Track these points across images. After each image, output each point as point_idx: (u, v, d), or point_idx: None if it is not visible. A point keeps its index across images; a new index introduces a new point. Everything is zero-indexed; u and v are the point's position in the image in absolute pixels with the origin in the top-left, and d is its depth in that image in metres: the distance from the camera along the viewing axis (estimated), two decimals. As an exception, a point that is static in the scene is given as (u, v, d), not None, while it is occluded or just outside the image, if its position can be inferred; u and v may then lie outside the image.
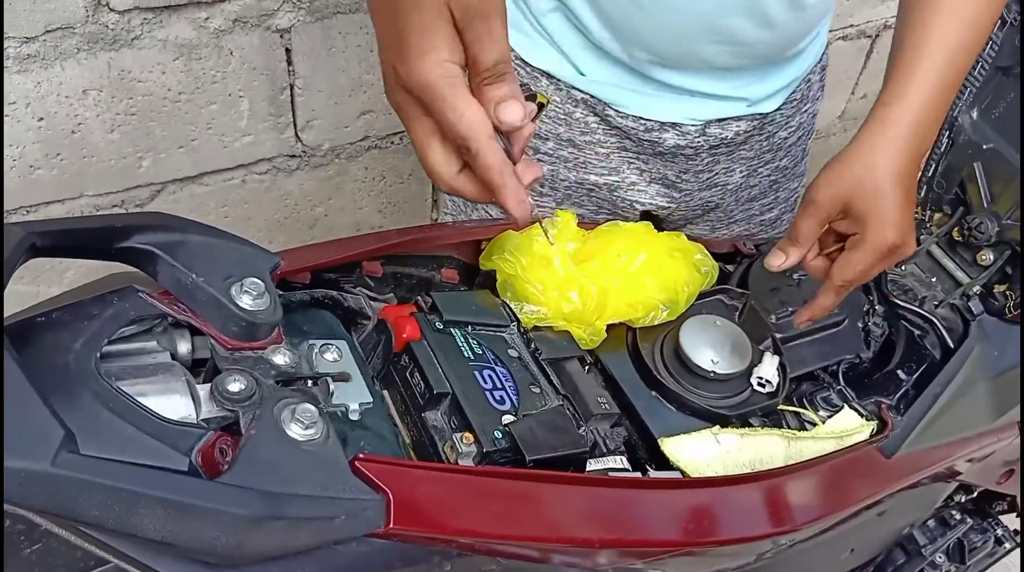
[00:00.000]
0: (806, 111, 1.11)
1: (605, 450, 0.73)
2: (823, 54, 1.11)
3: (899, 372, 0.91)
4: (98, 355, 0.52)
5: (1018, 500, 1.24)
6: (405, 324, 0.72)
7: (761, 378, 0.82)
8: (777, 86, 1.03)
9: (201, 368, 0.61)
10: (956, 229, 0.99)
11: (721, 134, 1.03)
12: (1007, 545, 1.23)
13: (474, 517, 0.60)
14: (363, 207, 1.72)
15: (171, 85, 1.34)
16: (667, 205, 1.11)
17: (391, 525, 0.54)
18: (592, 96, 1.00)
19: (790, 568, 0.86)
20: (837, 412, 0.85)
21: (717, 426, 0.78)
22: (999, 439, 0.96)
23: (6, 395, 0.44)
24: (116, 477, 0.45)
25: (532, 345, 0.77)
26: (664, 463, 0.74)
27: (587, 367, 0.79)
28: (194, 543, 0.48)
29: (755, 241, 0.99)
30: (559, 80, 1.01)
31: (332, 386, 0.61)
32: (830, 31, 1.53)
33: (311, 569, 0.54)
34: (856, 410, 0.85)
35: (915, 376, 0.91)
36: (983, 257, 0.96)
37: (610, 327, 0.82)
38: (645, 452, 0.76)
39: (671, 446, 0.74)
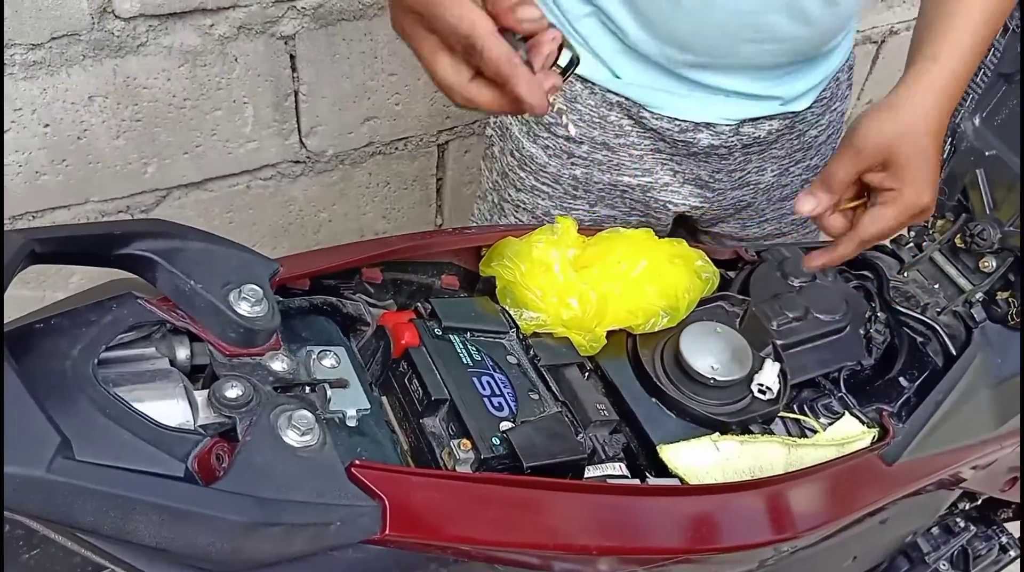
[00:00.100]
0: (835, 110, 1.13)
1: (604, 457, 0.73)
2: (851, 53, 1.12)
3: (901, 379, 0.91)
4: (96, 361, 0.53)
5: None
6: (404, 330, 0.72)
7: (762, 385, 0.82)
8: (809, 84, 1.05)
9: (200, 374, 0.61)
10: (959, 236, 0.99)
11: (754, 133, 1.05)
12: (1012, 553, 1.23)
13: (471, 524, 0.60)
14: (367, 213, 1.73)
15: (176, 91, 1.35)
16: (700, 205, 1.12)
17: (387, 532, 0.54)
18: (627, 99, 1.02)
19: (791, 576, 0.86)
20: (838, 419, 0.84)
21: (717, 433, 0.78)
22: (1002, 446, 0.95)
23: (3, 401, 0.44)
24: (111, 483, 0.45)
25: (531, 351, 0.77)
26: (663, 470, 0.74)
27: (587, 374, 0.79)
28: (189, 549, 0.48)
29: (757, 248, 0.99)
30: (594, 84, 1.02)
31: (329, 392, 0.61)
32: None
33: (307, 575, 0.55)
34: (857, 417, 0.85)
35: (917, 383, 0.90)
36: (986, 264, 0.96)
37: (610, 333, 0.82)
38: (644, 459, 0.76)
39: (670, 453, 0.74)
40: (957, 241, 0.99)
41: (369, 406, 0.64)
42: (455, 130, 1.69)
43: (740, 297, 0.90)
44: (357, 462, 0.55)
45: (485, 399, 0.70)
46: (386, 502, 0.54)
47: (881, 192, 0.80)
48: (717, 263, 0.91)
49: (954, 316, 0.95)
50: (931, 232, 1.02)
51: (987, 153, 0.97)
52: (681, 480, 0.73)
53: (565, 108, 0.81)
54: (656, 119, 1.02)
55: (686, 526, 0.70)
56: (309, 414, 0.55)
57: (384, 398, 0.72)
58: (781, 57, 0.97)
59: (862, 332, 0.93)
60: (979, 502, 1.19)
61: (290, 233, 1.66)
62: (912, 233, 1.03)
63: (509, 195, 1.15)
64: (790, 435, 0.83)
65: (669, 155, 1.06)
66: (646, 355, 0.82)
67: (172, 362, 0.60)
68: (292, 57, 1.40)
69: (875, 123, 0.79)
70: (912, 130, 0.78)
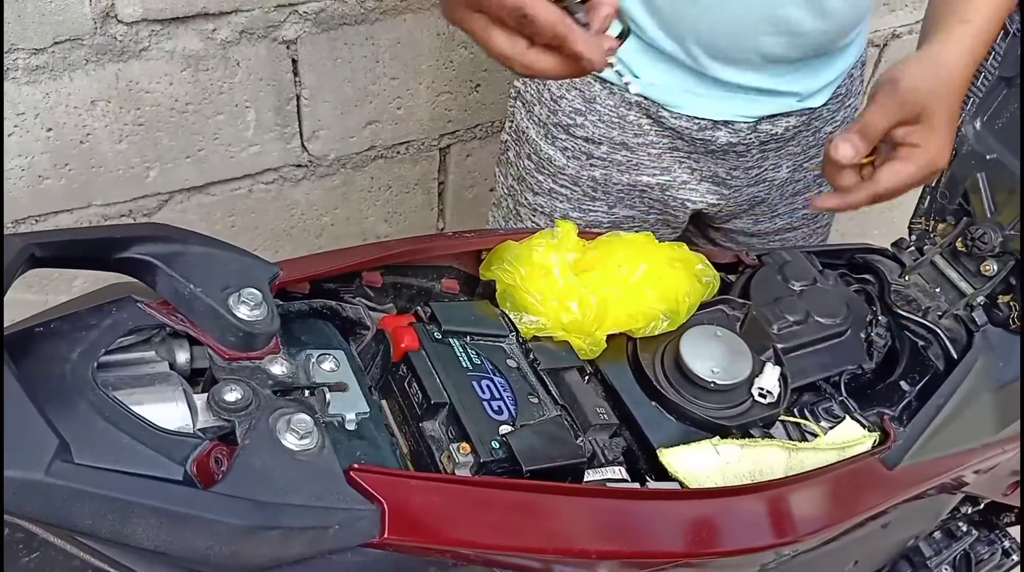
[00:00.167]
0: (849, 106, 1.14)
1: (604, 460, 0.73)
2: (864, 49, 1.13)
3: (902, 383, 0.91)
4: (95, 365, 0.53)
5: (1025, 512, 1.23)
6: (403, 334, 0.72)
7: (762, 389, 0.82)
8: (826, 80, 1.06)
9: (199, 378, 0.61)
10: (960, 239, 0.98)
11: (772, 130, 1.06)
12: (1014, 557, 1.22)
13: (470, 528, 0.60)
14: (369, 217, 1.73)
15: (178, 96, 1.35)
16: (717, 202, 1.13)
17: (386, 535, 0.54)
18: (646, 98, 1.02)
19: (792, 580, 0.86)
20: (839, 423, 0.84)
21: (717, 437, 0.78)
22: (1004, 450, 0.95)
23: (3, 405, 0.44)
24: (109, 486, 0.46)
25: (531, 355, 0.77)
26: (663, 474, 0.74)
27: (586, 377, 0.79)
28: (187, 552, 0.48)
29: (758, 251, 0.99)
30: (613, 84, 1.03)
31: (329, 396, 0.61)
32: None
33: (305, 579, 0.55)
34: (858, 421, 0.85)
35: (918, 387, 0.90)
36: (987, 267, 0.96)
37: (610, 337, 0.82)
38: (644, 463, 0.76)
39: (670, 457, 0.74)
40: (958, 245, 0.98)
41: (368, 410, 0.64)
42: (457, 134, 1.69)
43: (741, 301, 0.90)
44: (356, 466, 0.55)
45: (485, 403, 0.70)
46: (385, 506, 0.54)
47: (903, 147, 0.80)
48: (718, 267, 0.91)
49: (955, 320, 0.94)
50: (932, 236, 1.02)
51: (988, 157, 0.97)
52: (681, 484, 0.73)
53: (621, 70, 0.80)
54: (675, 118, 1.03)
55: (686, 530, 0.70)
56: (308, 418, 0.55)
57: (383, 402, 0.72)
58: (798, 51, 0.97)
59: (863, 336, 0.93)
60: (981, 506, 1.18)
61: (292, 237, 1.67)
62: (913, 237, 1.03)
63: (526, 199, 1.16)
64: (791, 439, 0.83)
65: (687, 153, 1.07)
66: (646, 359, 0.82)
67: (172, 366, 0.60)
68: (294, 61, 1.41)
69: (918, 77, 0.79)
70: (948, 89, 0.79)
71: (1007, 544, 1.21)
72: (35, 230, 1.39)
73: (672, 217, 1.14)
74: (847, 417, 0.85)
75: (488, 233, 0.87)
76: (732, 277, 0.96)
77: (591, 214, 1.13)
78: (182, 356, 0.60)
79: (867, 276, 1.00)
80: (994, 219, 0.95)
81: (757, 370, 0.82)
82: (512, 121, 1.16)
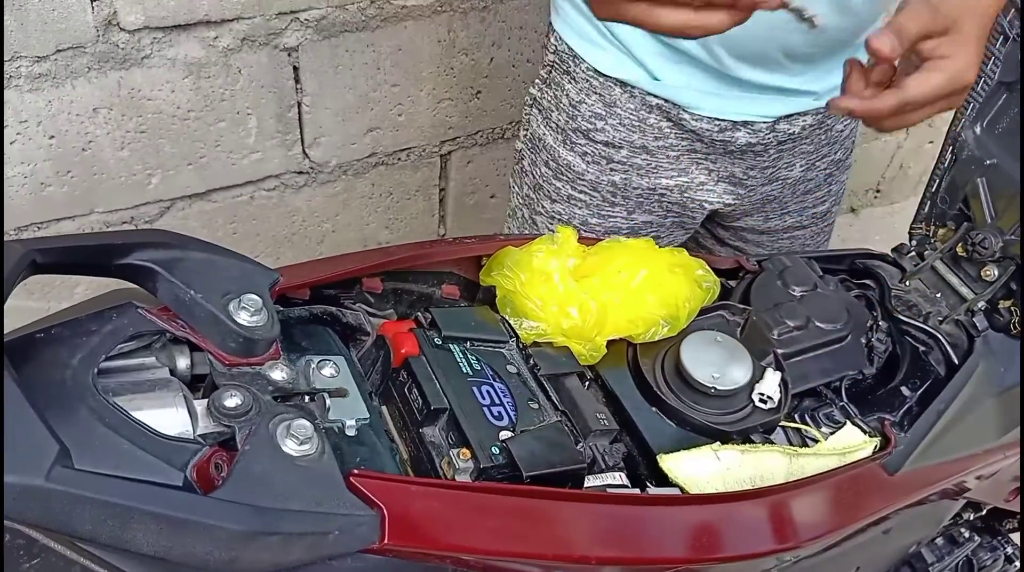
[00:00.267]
0: None
1: (604, 466, 0.73)
2: None
3: (903, 388, 0.90)
4: (95, 371, 0.53)
5: (1027, 518, 1.23)
6: (404, 340, 0.72)
7: (762, 394, 0.82)
8: (840, 78, 1.06)
9: (200, 384, 0.61)
10: (960, 244, 0.98)
11: (789, 130, 1.08)
12: (1017, 564, 1.22)
13: (470, 534, 0.60)
14: (370, 223, 1.73)
15: (180, 103, 1.36)
16: (732, 202, 1.15)
17: (386, 541, 0.54)
18: (666, 100, 1.03)
19: (794, 586, 0.85)
20: (839, 428, 0.84)
21: (717, 442, 0.77)
22: (1005, 456, 0.95)
23: (3, 410, 0.44)
24: (109, 492, 0.46)
25: (531, 361, 0.77)
26: (664, 480, 0.74)
27: (587, 383, 0.79)
28: (187, 558, 0.48)
29: (758, 258, 0.99)
30: (633, 87, 1.03)
31: (329, 402, 0.61)
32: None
33: (305, 585, 0.55)
34: (859, 426, 0.84)
35: (919, 392, 0.90)
36: (987, 273, 0.96)
37: (610, 343, 0.82)
38: (645, 468, 0.76)
39: (670, 462, 0.74)
40: (959, 250, 0.98)
41: (368, 415, 0.64)
42: (458, 140, 1.69)
43: (741, 306, 0.90)
44: (356, 471, 0.55)
45: (485, 408, 0.70)
46: (385, 511, 0.54)
47: (931, 60, 0.80)
48: (718, 272, 0.91)
49: (956, 325, 0.94)
50: (933, 241, 1.02)
51: (988, 162, 0.97)
52: (682, 489, 0.73)
53: (800, 6, 0.79)
54: (696, 120, 1.04)
55: (687, 536, 0.70)
56: (308, 423, 0.55)
57: (384, 407, 0.72)
58: (820, 48, 0.99)
59: (863, 341, 0.93)
60: (984, 512, 1.18)
61: (293, 243, 1.67)
62: (914, 242, 1.03)
63: (543, 208, 1.16)
64: (791, 444, 0.83)
65: (704, 155, 1.08)
66: (646, 364, 0.82)
67: (172, 372, 0.60)
68: (295, 68, 1.41)
69: None
70: (980, 4, 0.79)
71: (1009, 550, 1.21)
72: (37, 237, 1.39)
73: (689, 219, 1.15)
74: (848, 422, 0.85)
75: (488, 239, 0.87)
76: (732, 283, 0.96)
77: (610, 220, 1.13)
78: (182, 362, 0.60)
79: (867, 281, 1.00)
80: (994, 224, 0.95)
81: (757, 376, 0.82)
82: (527, 129, 1.16)
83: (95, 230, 1.44)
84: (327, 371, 0.64)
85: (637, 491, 0.72)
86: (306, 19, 1.36)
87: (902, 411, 0.89)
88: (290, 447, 0.54)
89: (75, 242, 0.57)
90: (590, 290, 0.82)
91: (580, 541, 0.65)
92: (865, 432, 0.84)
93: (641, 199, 1.11)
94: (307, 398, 0.62)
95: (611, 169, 1.10)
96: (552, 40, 1.09)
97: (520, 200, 1.21)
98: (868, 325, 0.95)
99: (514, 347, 0.78)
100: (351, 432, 0.63)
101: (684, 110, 1.03)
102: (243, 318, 0.58)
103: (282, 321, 0.62)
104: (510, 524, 0.62)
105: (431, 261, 0.82)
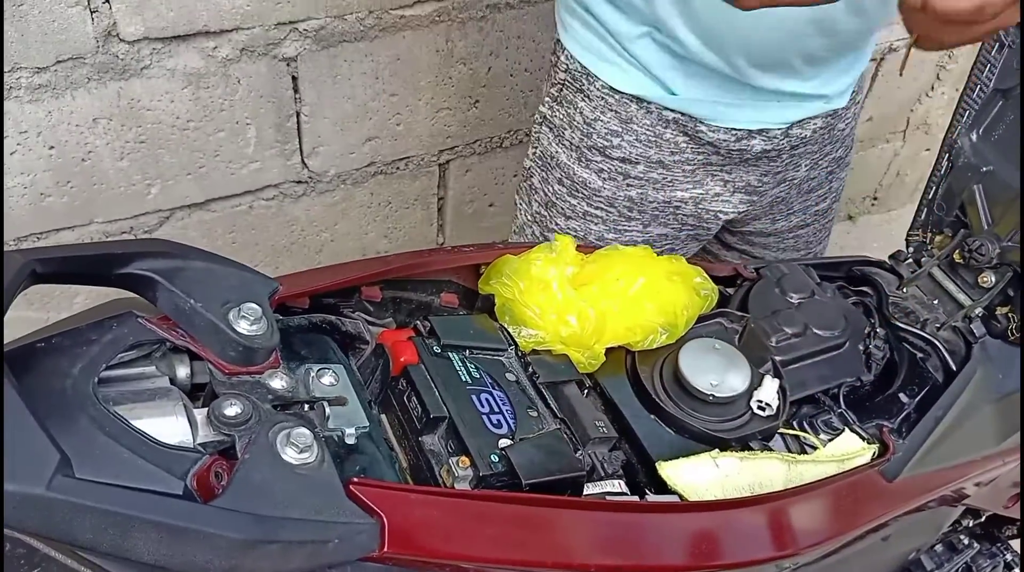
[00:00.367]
0: (858, 102, 1.18)
1: (603, 474, 0.73)
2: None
3: (901, 395, 0.91)
4: (96, 380, 0.53)
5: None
6: (403, 348, 0.72)
7: (761, 401, 0.82)
8: (850, 80, 1.10)
9: (200, 392, 0.61)
10: (957, 251, 0.99)
11: (801, 134, 1.09)
12: (1016, 571, 1.22)
13: (469, 541, 0.60)
14: (369, 232, 1.73)
15: (180, 113, 1.36)
16: (745, 209, 1.16)
17: (385, 549, 0.54)
18: (683, 114, 1.04)
19: (793, 593, 0.85)
20: (838, 435, 0.84)
21: (716, 450, 0.78)
22: (1004, 462, 0.95)
23: (4, 420, 0.45)
24: (110, 500, 0.46)
25: (530, 369, 0.77)
26: (663, 487, 0.74)
27: (585, 391, 0.79)
28: (187, 567, 0.48)
29: (756, 265, 0.99)
30: (649, 102, 1.04)
31: (328, 410, 0.62)
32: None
33: (305, 593, 0.55)
34: (857, 433, 0.85)
35: (917, 399, 0.90)
36: (984, 279, 0.96)
37: (609, 351, 0.82)
38: (643, 476, 0.76)
39: (669, 470, 0.74)
40: (956, 257, 0.99)
41: (368, 424, 0.64)
42: (456, 149, 1.70)
43: (739, 313, 0.90)
44: (355, 480, 0.56)
45: (484, 416, 0.70)
46: (384, 519, 0.55)
47: None
48: (716, 280, 0.91)
49: (954, 331, 0.95)
50: (930, 248, 1.02)
51: (984, 169, 0.97)
52: (681, 497, 0.73)
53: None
54: (712, 131, 1.05)
55: (686, 543, 0.70)
56: (308, 432, 0.55)
57: (383, 416, 0.72)
58: (834, 51, 1.01)
59: (861, 348, 0.93)
60: (983, 519, 1.18)
61: (292, 253, 1.67)
62: (911, 249, 1.04)
63: (556, 225, 1.16)
64: (790, 451, 0.83)
65: (720, 166, 1.09)
66: (645, 372, 0.82)
67: (172, 381, 0.60)
68: (294, 78, 1.42)
69: None
70: None
71: (1009, 557, 1.21)
72: (36, 246, 1.40)
73: (704, 231, 1.17)
74: (846, 429, 0.85)
75: (487, 247, 0.87)
76: (730, 290, 0.96)
77: (626, 234, 1.13)
78: (182, 371, 0.61)
79: (865, 288, 1.00)
80: (991, 231, 0.96)
81: (756, 383, 0.83)
82: (536, 147, 1.16)
83: (95, 240, 1.44)
84: (326, 380, 0.64)
85: (636, 498, 0.72)
86: (305, 29, 1.37)
87: (900, 418, 0.89)
88: (290, 455, 0.54)
89: (75, 252, 0.58)
90: (588, 298, 0.82)
91: (579, 549, 0.65)
92: (863, 439, 0.84)
93: (656, 212, 1.12)
94: (307, 407, 0.62)
95: (627, 184, 1.10)
96: (563, 59, 1.09)
97: (529, 217, 1.21)
98: (866, 332, 0.95)
99: (513, 355, 0.79)
100: (350, 440, 0.63)
101: (701, 122, 1.04)
102: (243, 327, 0.59)
103: (281, 330, 0.62)
104: (509, 532, 0.62)
105: (430, 270, 0.82)
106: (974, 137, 1.00)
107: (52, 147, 1.31)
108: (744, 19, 0.94)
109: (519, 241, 1.25)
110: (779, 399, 0.83)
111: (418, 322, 0.78)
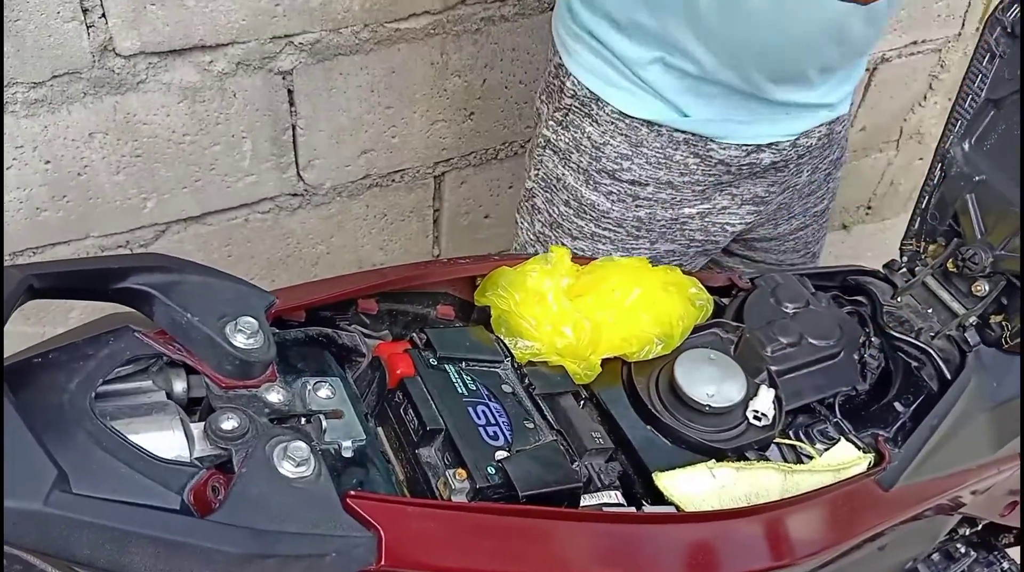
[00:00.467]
0: (852, 103, 1.21)
1: (599, 485, 0.73)
2: None
3: (896, 404, 0.91)
4: (93, 395, 0.53)
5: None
6: (399, 361, 0.72)
7: (757, 411, 0.82)
8: (851, 87, 1.13)
9: (196, 407, 0.61)
10: (951, 260, 0.99)
11: (807, 143, 1.11)
12: (1014, 578, 1.22)
13: (467, 554, 0.60)
14: (364, 245, 1.74)
15: (175, 127, 1.36)
16: (753, 219, 1.17)
17: (382, 562, 0.54)
18: (694, 134, 1.05)
19: (790, 603, 0.85)
20: (834, 445, 0.84)
21: (712, 460, 0.78)
22: (1000, 471, 0.95)
23: (2, 435, 0.45)
24: (107, 516, 0.46)
25: (526, 380, 0.77)
26: (659, 498, 0.74)
27: (582, 402, 0.79)
28: (185, 581, 0.48)
29: (751, 275, 1.00)
30: (660, 125, 1.05)
31: (325, 423, 0.62)
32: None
33: (303, 607, 0.55)
34: (853, 443, 0.85)
35: (912, 408, 0.90)
36: (978, 288, 0.97)
37: (605, 361, 0.82)
38: (640, 487, 0.76)
39: (666, 481, 0.74)
40: (949, 266, 0.99)
41: (364, 437, 0.64)
42: (451, 162, 1.70)
43: (734, 324, 0.91)
44: (352, 493, 0.56)
45: (480, 428, 0.70)
46: (381, 532, 0.55)
47: None
48: (711, 290, 0.92)
49: (948, 340, 0.95)
50: (923, 257, 1.03)
51: (977, 178, 0.98)
52: (677, 508, 0.73)
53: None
54: (723, 149, 1.06)
55: (683, 554, 0.70)
56: (304, 445, 0.55)
57: (380, 428, 0.72)
58: (845, 59, 1.03)
59: (856, 357, 0.94)
60: (980, 527, 1.18)
61: (288, 265, 1.67)
62: (904, 258, 1.04)
63: (562, 244, 1.16)
64: (786, 461, 0.83)
65: (729, 181, 1.10)
66: (641, 383, 0.82)
67: (169, 395, 0.60)
68: (290, 92, 1.42)
69: None
70: None
71: (1006, 565, 1.21)
72: (33, 262, 1.40)
73: (712, 244, 1.17)
74: (842, 439, 0.85)
75: (483, 259, 0.88)
76: (725, 300, 0.97)
77: (634, 252, 1.14)
78: (179, 385, 0.61)
79: (859, 298, 1.01)
80: (984, 240, 0.96)
81: (751, 393, 0.83)
82: (539, 169, 1.16)
83: (91, 254, 1.44)
84: (323, 392, 0.65)
85: (633, 509, 0.72)
86: (300, 43, 1.37)
87: (896, 427, 0.89)
88: (287, 469, 0.54)
89: (72, 267, 0.58)
90: (584, 309, 0.82)
91: (577, 560, 0.65)
92: (859, 448, 0.84)
93: (664, 230, 1.13)
94: (303, 420, 0.62)
95: (636, 205, 1.10)
96: (568, 84, 1.08)
97: (532, 236, 1.21)
98: (861, 341, 0.95)
99: (509, 367, 0.79)
100: (347, 453, 0.63)
101: (711, 141, 1.05)
102: (239, 341, 0.59)
103: (278, 343, 0.62)
104: (506, 544, 0.62)
105: (426, 282, 0.82)
106: (967, 147, 1.00)
107: (48, 162, 1.31)
108: (762, 33, 0.95)
109: (520, 240, 1.25)
110: (775, 409, 0.83)
111: (414, 334, 0.78)
